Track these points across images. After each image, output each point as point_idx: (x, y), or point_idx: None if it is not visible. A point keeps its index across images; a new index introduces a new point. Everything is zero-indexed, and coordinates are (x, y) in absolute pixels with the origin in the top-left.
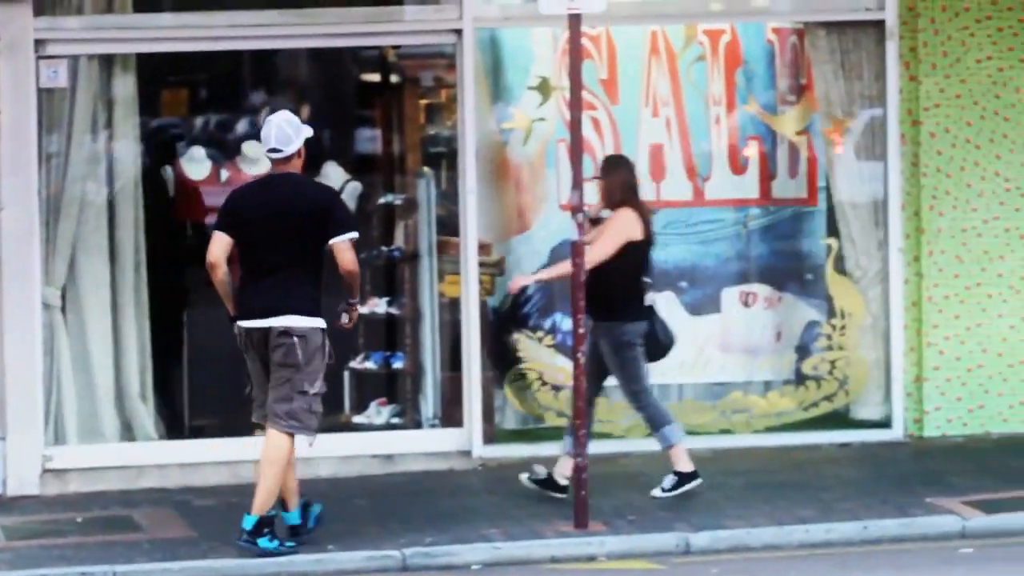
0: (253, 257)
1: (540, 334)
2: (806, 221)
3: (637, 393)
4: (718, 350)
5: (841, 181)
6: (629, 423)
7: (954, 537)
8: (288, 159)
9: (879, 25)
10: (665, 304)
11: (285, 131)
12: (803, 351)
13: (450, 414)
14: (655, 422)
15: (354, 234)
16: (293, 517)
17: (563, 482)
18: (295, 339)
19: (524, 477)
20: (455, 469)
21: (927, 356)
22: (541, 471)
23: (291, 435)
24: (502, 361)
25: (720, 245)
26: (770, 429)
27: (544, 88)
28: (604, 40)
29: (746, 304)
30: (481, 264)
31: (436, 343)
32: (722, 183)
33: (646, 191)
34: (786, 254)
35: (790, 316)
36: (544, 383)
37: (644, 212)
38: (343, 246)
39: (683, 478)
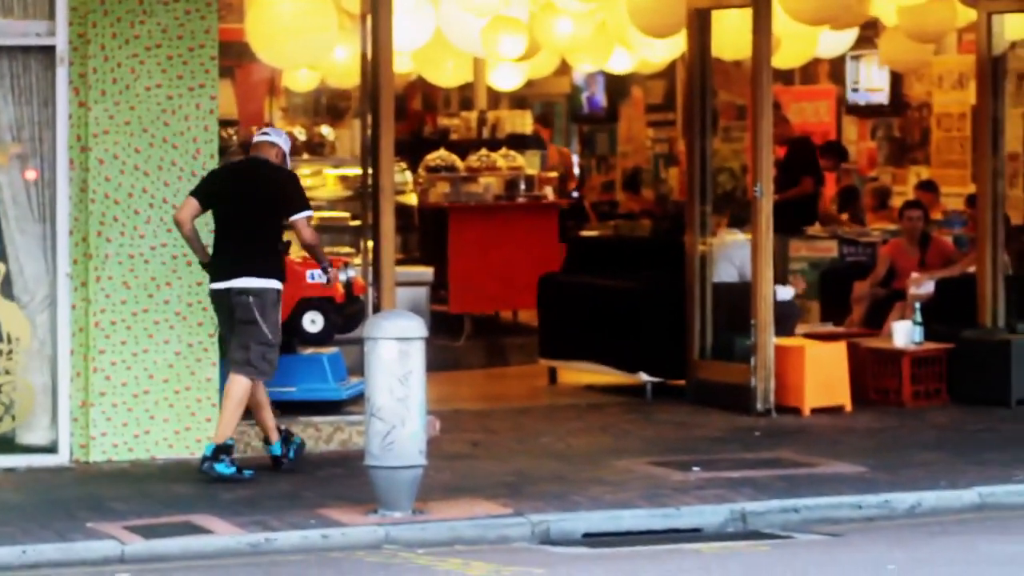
0: (224, 226)
1: None
2: None
3: None
4: None
5: (9, 207)
6: None
7: (114, 562)
8: (270, 146)
9: (50, 51)
10: None
11: (281, 131)
12: None
13: None
14: None
15: (309, 212)
16: (275, 448)
17: None
18: (250, 298)
19: None
20: None
21: (94, 381)
22: None
23: (249, 378)
24: None
25: None
26: None
27: None
28: None
29: None
30: None
31: None
32: None
33: None
34: None
35: None
36: None
37: None
38: (301, 223)
39: None
